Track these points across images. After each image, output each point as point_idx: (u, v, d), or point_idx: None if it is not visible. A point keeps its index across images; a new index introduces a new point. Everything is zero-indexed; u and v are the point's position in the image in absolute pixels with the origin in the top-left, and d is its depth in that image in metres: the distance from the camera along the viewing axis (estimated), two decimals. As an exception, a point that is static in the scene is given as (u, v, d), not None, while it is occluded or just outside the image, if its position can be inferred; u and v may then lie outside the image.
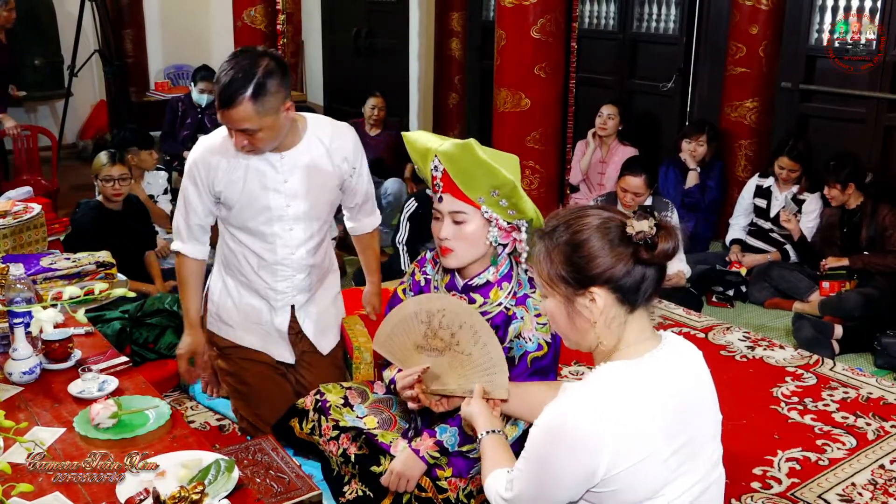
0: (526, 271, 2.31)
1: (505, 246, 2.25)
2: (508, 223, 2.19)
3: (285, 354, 2.76)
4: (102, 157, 4.03)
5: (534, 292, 2.27)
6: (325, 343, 2.81)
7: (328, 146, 2.57)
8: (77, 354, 2.40)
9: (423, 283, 2.44)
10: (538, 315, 2.24)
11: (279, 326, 2.72)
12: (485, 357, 2.09)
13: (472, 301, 2.26)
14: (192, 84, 6.22)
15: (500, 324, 2.26)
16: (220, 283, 2.75)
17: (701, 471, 1.54)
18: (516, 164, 2.26)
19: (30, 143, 5.81)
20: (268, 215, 2.55)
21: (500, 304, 2.26)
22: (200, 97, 6.12)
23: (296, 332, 2.77)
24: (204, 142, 2.58)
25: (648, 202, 4.52)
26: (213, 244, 2.76)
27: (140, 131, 4.99)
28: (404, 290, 2.52)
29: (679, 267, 4.52)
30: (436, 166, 2.21)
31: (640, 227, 1.46)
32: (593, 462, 1.43)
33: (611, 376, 1.50)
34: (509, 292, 2.27)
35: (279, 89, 2.35)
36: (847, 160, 4.40)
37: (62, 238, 4.31)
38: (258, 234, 2.59)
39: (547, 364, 2.26)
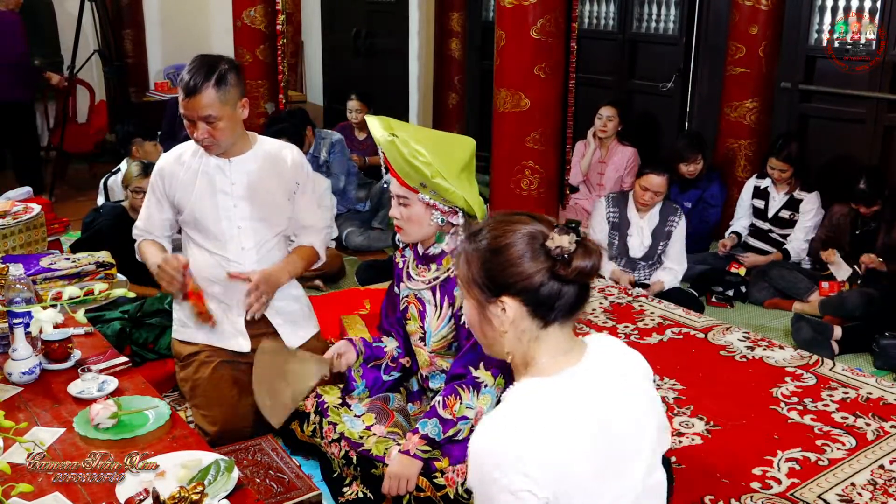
0: None
1: (454, 225, 2.42)
2: (448, 207, 2.37)
3: (242, 344, 2.86)
4: (134, 168, 4.08)
5: None
6: (294, 339, 2.90)
7: (274, 159, 2.82)
8: (77, 355, 2.40)
9: (401, 266, 2.61)
10: None
11: (235, 325, 2.85)
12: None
13: (429, 269, 2.49)
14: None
15: (447, 285, 2.44)
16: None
17: (630, 483, 1.48)
18: (464, 148, 2.39)
19: (73, 94, 6.79)
20: (216, 214, 2.77)
21: (448, 270, 2.45)
22: None
23: (263, 332, 2.86)
24: (162, 158, 2.89)
25: (658, 206, 4.51)
26: None
27: (144, 124, 4.99)
28: (394, 288, 2.66)
29: (661, 277, 4.52)
30: (381, 152, 2.40)
31: (560, 241, 1.41)
32: (523, 491, 1.35)
33: (524, 396, 1.45)
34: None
35: (237, 84, 2.65)
36: (873, 177, 4.36)
37: (68, 241, 4.32)
38: (210, 233, 2.79)
39: None
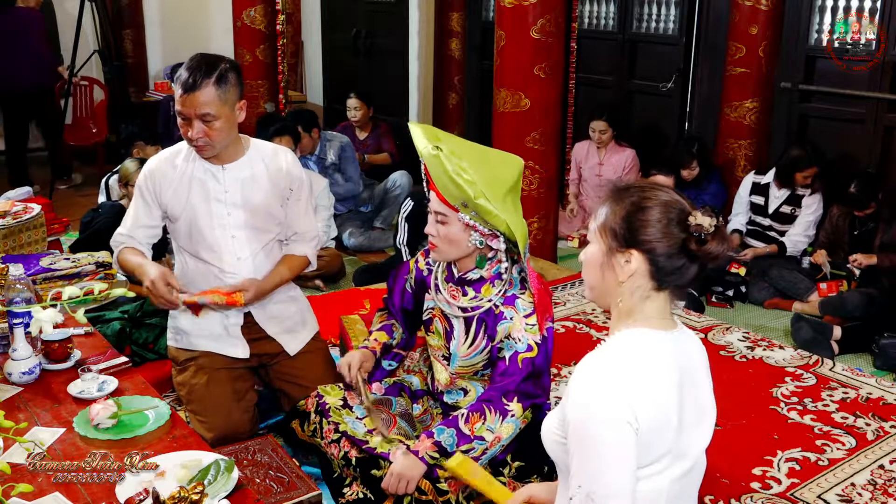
0: (520, 272, 2.34)
1: (493, 249, 2.30)
2: (489, 230, 2.25)
3: (238, 351, 2.82)
4: (131, 165, 4.10)
5: (523, 293, 2.31)
6: (294, 344, 2.88)
7: (268, 164, 2.74)
8: (77, 355, 2.40)
9: (425, 273, 2.52)
10: (527, 316, 2.28)
11: (232, 332, 2.81)
12: None
13: (464, 293, 2.36)
14: (172, 82, 6.27)
15: (487, 319, 2.33)
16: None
17: (693, 452, 1.61)
18: (511, 168, 2.29)
19: (87, 93, 6.97)
20: (210, 223, 2.69)
21: (490, 301, 2.33)
22: None
23: (261, 337, 2.84)
24: (152, 160, 2.78)
25: None
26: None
27: (147, 127, 5.01)
28: (407, 283, 2.62)
29: None
30: (423, 165, 2.29)
31: (702, 220, 1.53)
32: (631, 426, 1.48)
33: (632, 341, 1.57)
34: (500, 290, 2.33)
35: (237, 84, 2.57)
36: (864, 181, 4.39)
37: (68, 241, 4.32)
38: (205, 244, 2.72)
39: (540, 365, 2.29)
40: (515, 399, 2.26)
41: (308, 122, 5.29)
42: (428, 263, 2.52)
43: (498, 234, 2.25)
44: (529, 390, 2.28)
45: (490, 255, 2.32)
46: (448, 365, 2.47)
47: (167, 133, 6.24)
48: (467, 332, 2.37)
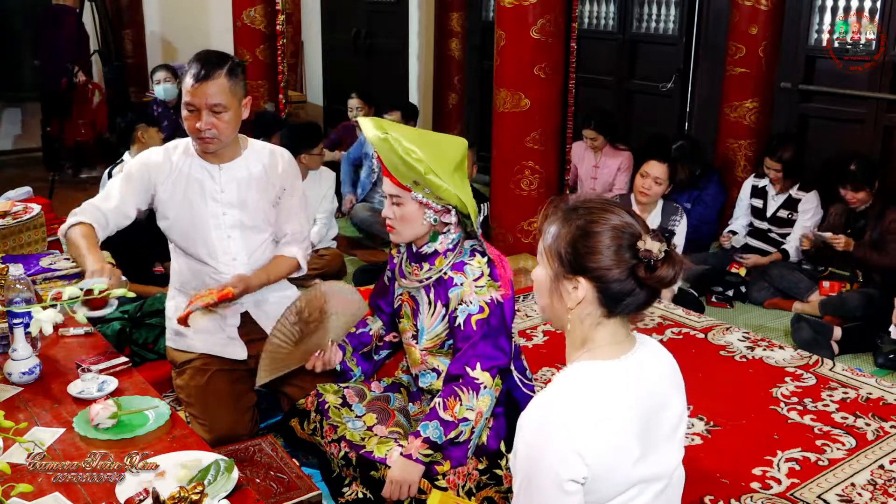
0: (472, 245, 2.45)
1: (447, 224, 2.41)
2: (441, 206, 2.36)
3: (237, 352, 2.81)
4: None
5: (472, 260, 2.41)
6: None
7: (265, 164, 2.74)
8: (114, 304, 2.31)
9: (396, 261, 2.62)
10: (476, 279, 2.38)
11: (229, 333, 2.81)
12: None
13: (421, 268, 2.46)
14: (153, 83, 6.30)
15: (439, 288, 2.43)
16: (174, 303, 2.86)
17: (664, 472, 1.55)
18: (456, 148, 2.39)
19: (88, 95, 6.97)
20: (206, 223, 2.69)
21: (440, 270, 2.42)
22: (159, 89, 6.16)
23: (259, 337, 2.82)
24: (150, 152, 2.74)
25: (660, 204, 4.43)
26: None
27: (147, 113, 5.02)
28: (385, 276, 2.69)
29: None
30: (374, 153, 2.40)
31: (651, 246, 1.46)
32: (577, 470, 1.41)
33: (582, 381, 1.50)
34: (450, 260, 2.43)
35: (243, 80, 2.60)
36: (864, 162, 4.38)
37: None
38: (200, 244, 2.71)
39: (496, 325, 2.36)
40: (479, 366, 2.31)
41: (412, 113, 5.26)
42: (399, 251, 2.60)
43: (450, 208, 2.37)
44: (489, 352, 2.33)
45: (444, 230, 2.42)
46: (417, 343, 2.53)
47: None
48: (429, 302, 2.46)
